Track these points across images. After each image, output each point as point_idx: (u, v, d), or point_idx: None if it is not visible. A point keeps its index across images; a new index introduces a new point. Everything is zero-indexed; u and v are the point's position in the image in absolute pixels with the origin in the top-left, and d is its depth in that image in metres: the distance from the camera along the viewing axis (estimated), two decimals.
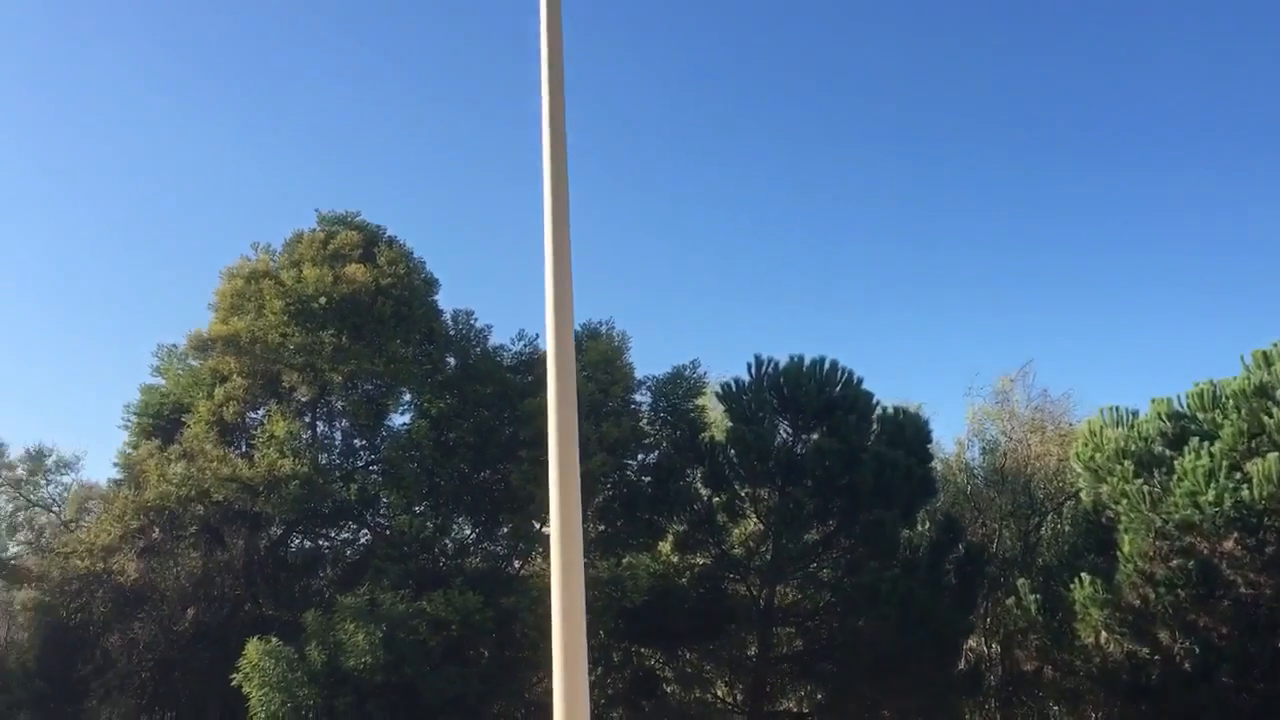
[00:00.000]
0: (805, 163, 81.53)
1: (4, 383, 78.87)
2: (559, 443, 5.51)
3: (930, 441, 30.65)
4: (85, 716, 28.08)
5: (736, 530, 29.94)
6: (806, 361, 28.89)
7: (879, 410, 29.58)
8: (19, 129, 77.96)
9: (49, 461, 31.59)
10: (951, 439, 38.19)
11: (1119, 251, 71.44)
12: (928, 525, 31.81)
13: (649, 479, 30.03)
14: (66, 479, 32.02)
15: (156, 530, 28.63)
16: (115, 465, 31.31)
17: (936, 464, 32.57)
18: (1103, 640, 26.44)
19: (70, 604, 28.48)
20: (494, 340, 31.21)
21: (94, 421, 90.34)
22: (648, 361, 54.89)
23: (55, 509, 31.65)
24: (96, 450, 77.03)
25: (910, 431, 29.24)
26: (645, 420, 30.55)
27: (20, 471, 31.19)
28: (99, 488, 31.38)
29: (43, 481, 31.63)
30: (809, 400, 28.47)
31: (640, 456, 30.35)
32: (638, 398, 30.59)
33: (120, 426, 32.06)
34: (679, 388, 30.84)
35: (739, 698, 30.61)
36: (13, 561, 31.17)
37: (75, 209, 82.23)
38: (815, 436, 28.64)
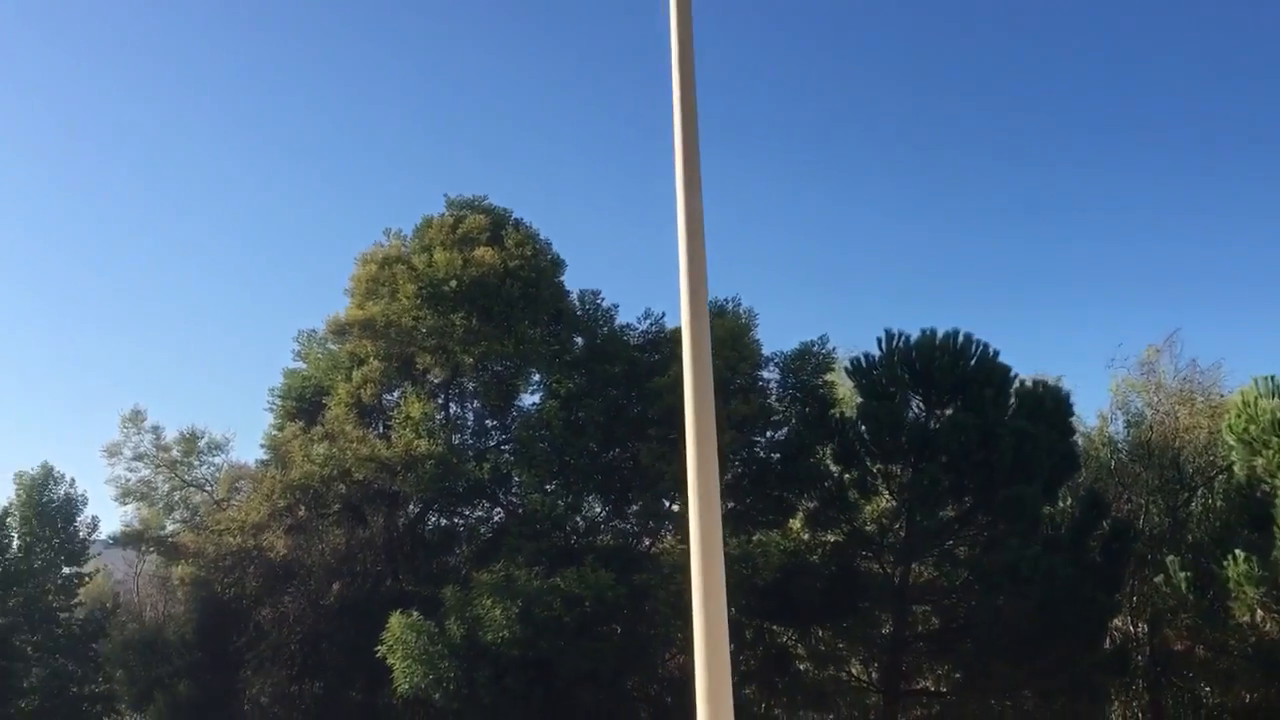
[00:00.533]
0: (934, 133, 79.61)
1: (159, 370, 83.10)
2: (696, 423, 5.45)
3: (1071, 415, 29.60)
4: (240, 686, 29.37)
5: (869, 507, 29.50)
6: (939, 335, 28.19)
7: (1016, 384, 28.70)
8: (167, 129, 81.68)
9: (201, 443, 33.06)
10: (1093, 412, 36.84)
11: (1272, 213, 67.78)
12: (1070, 501, 30.78)
13: (778, 456, 29.83)
14: (218, 460, 33.50)
15: (302, 508, 29.72)
16: (262, 446, 32.66)
17: (1078, 438, 31.45)
18: (1258, 619, 25.22)
19: (224, 579, 29.81)
20: (620, 319, 31.46)
21: (242, 405, 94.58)
22: (775, 338, 54.59)
23: (208, 489, 33.10)
24: (245, 432, 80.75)
25: (1050, 405, 28.28)
26: (773, 397, 30.35)
27: (175, 453, 32.70)
28: (248, 468, 32.69)
29: (196, 462, 33.12)
30: (942, 375, 27.77)
31: (769, 433, 30.18)
32: (765, 374, 30.44)
33: (266, 409, 33.47)
34: (807, 364, 30.52)
35: (874, 676, 30.26)
36: (170, 539, 32.71)
37: (223, 204, 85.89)
38: (950, 411, 27.92)
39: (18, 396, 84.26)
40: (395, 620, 24.82)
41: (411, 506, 31.45)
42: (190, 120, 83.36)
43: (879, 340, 28.76)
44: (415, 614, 24.94)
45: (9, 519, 38.86)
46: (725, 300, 29.79)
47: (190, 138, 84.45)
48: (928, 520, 27.45)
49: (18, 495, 39.22)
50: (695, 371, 5.55)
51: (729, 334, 28.22)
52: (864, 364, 29.01)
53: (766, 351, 30.23)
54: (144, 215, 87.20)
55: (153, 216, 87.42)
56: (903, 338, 28.55)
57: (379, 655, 25.03)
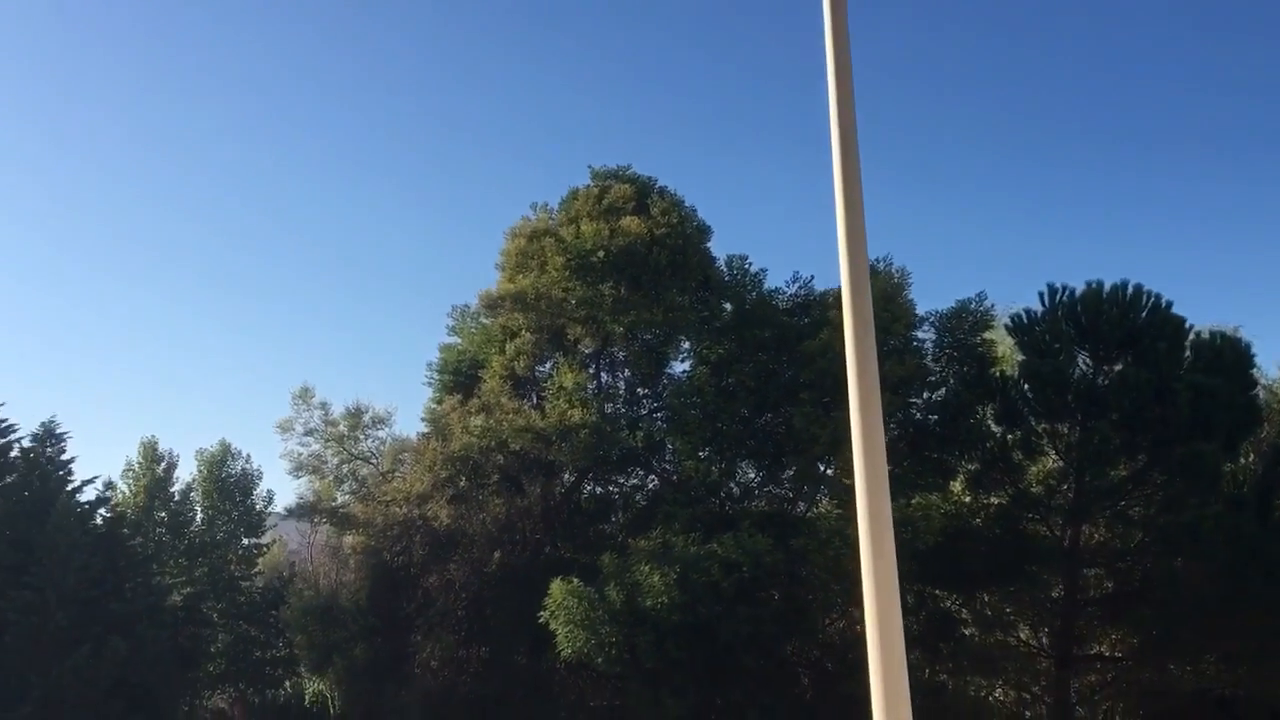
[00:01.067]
0: (1092, 74, 75.86)
1: (323, 349, 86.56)
2: (859, 387, 5.28)
3: (1253, 367, 27.91)
4: (411, 650, 30.40)
5: (1034, 468, 28.46)
6: (1106, 287, 26.90)
7: (1192, 335, 27.19)
8: (327, 118, 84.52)
9: (366, 418, 34.20)
10: (1275, 365, 34.69)
11: None
12: (1252, 458, 29.09)
13: (935, 417, 29.06)
14: (382, 433, 34.57)
15: (463, 479, 30.45)
16: (423, 420, 33.52)
17: (1260, 391, 29.62)
18: None
19: (392, 547, 30.83)
20: (769, 284, 31.11)
21: (401, 379, 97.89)
22: (929, 296, 53.06)
23: (374, 461, 34.23)
24: (405, 406, 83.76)
25: (1229, 357, 26.70)
26: (929, 357, 29.57)
27: (342, 428, 33.92)
28: (410, 441, 33.62)
29: (362, 436, 34.28)
30: (1110, 328, 26.52)
31: (925, 395, 29.42)
32: (920, 334, 29.65)
33: (424, 383, 34.38)
34: (964, 322, 29.59)
35: (1044, 641, 29.32)
36: (341, 510, 34.01)
37: (379, 188, 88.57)
38: (1119, 367, 26.68)
39: (197, 378, 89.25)
40: (556, 587, 25.23)
41: (567, 475, 31.89)
42: (348, 106, 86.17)
43: (1041, 295, 27.67)
44: (575, 580, 25.30)
45: (192, 494, 41.22)
46: (877, 260, 29.13)
47: (351, 124, 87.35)
48: (1098, 480, 26.34)
49: (199, 471, 41.55)
50: (857, 334, 5.37)
51: (881, 294, 27.55)
52: (1025, 320, 27.96)
53: (920, 311, 29.50)
54: (307, 201, 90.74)
55: (314, 203, 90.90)
56: (1067, 291, 27.40)
57: (541, 621, 25.51)
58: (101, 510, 31.46)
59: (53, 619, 25.36)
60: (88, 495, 30.67)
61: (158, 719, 27.96)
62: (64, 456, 30.40)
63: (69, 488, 29.47)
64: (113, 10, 79.01)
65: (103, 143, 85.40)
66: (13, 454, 29.99)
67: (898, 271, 29.20)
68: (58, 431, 30.44)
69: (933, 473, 28.65)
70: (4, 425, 30.17)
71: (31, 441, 30.02)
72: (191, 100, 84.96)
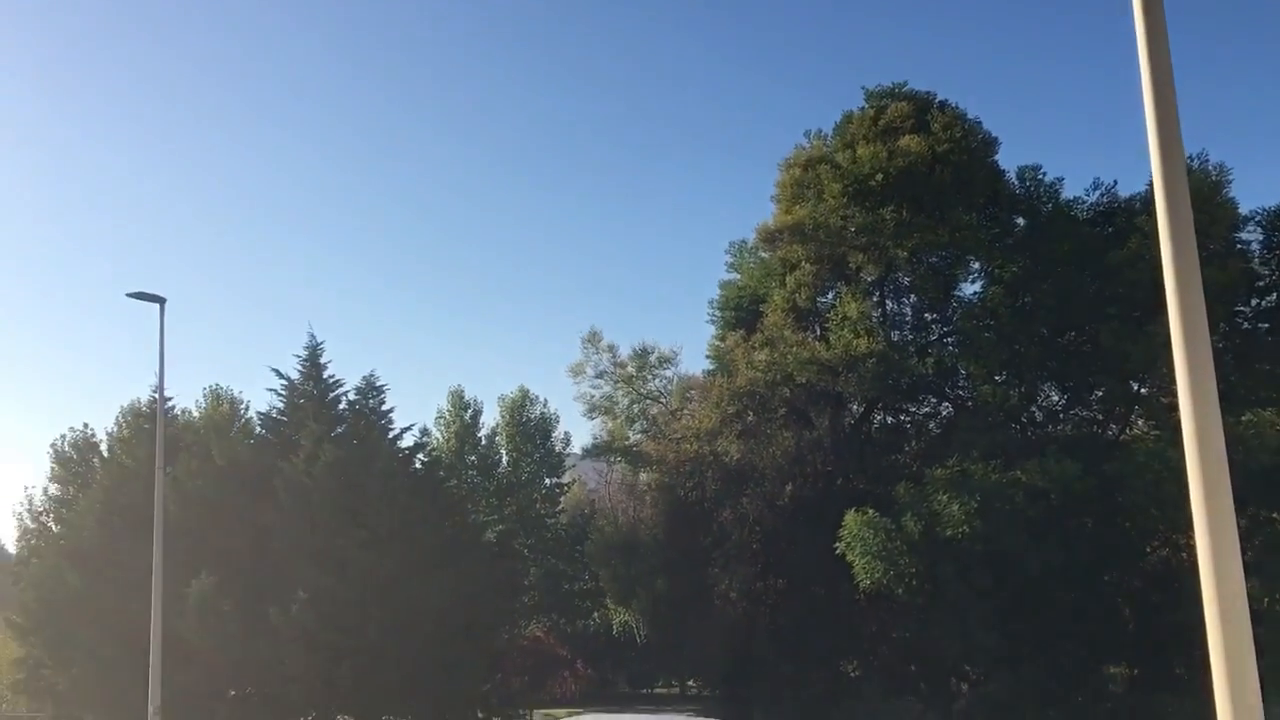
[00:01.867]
0: None
1: (609, 293, 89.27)
2: (1180, 298, 4.77)
3: None
4: (710, 582, 31.02)
5: None
6: None
7: None
8: (607, 62, 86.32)
9: (652, 358, 35.00)
10: None
11: None
12: None
13: (1266, 325, 26.36)
14: (668, 373, 35.32)
15: (750, 414, 30.58)
16: (707, 357, 33.96)
17: None
18: None
19: (686, 483, 31.48)
20: (1066, 194, 29.09)
21: (685, 318, 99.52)
22: (1254, 194, 48.00)
23: (663, 400, 34.97)
24: (690, 345, 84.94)
25: None
26: (1256, 260, 26.79)
27: (630, 369, 34.86)
28: (696, 379, 34.12)
29: (649, 376, 35.13)
30: None
31: (1254, 301, 26.72)
32: (1244, 235, 26.91)
33: (707, 321, 34.72)
34: None
35: None
36: (634, 448, 35.06)
37: (656, 129, 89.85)
38: None
39: (495, 329, 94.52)
40: (851, 518, 24.98)
41: (855, 406, 31.39)
42: (629, 52, 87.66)
43: None
44: (871, 511, 24.94)
45: (497, 438, 43.74)
46: (1190, 157, 26.54)
47: (629, 69, 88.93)
48: None
49: (502, 417, 44.00)
50: (1175, 240, 4.82)
51: (1197, 195, 24.94)
52: None
53: (1244, 210, 26.68)
54: (588, 151, 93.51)
55: (595, 151, 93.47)
56: None
57: (838, 552, 25.35)
58: (419, 455, 33.70)
59: (386, 555, 27.54)
60: (406, 442, 32.96)
61: (482, 646, 29.94)
62: (384, 407, 32.75)
63: (390, 435, 31.73)
64: None
65: (395, 123, 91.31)
66: (341, 406, 32.63)
67: (1215, 169, 26.57)
68: (377, 384, 32.82)
69: (1265, 386, 26.07)
70: (334, 380, 32.85)
71: (356, 395, 32.56)
72: (488, 68, 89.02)
